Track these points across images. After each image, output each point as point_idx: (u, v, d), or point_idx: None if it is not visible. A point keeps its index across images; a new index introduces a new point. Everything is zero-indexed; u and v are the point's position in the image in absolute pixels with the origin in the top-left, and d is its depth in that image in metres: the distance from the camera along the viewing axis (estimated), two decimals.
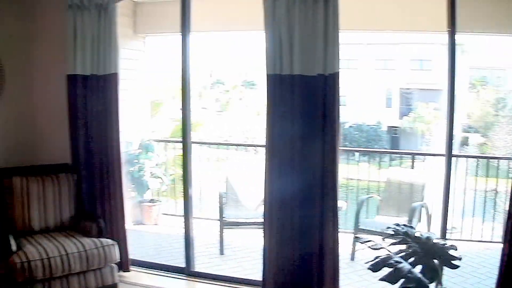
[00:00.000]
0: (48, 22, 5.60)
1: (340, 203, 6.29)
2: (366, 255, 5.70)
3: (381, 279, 3.07)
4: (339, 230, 4.57)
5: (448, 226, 4.89)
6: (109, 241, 4.76)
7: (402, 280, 2.67)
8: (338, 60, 4.32)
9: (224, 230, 6.33)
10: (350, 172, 8.63)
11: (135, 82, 7.11)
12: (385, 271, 2.99)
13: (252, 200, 6.47)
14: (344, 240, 5.86)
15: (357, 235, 5.84)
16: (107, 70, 5.09)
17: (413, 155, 7.94)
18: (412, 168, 7.24)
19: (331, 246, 4.51)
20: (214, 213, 7.32)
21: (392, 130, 26.23)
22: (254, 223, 6.26)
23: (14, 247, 4.41)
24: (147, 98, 7.99)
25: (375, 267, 2.82)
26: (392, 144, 25.94)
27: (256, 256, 5.96)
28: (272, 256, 4.68)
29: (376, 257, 2.87)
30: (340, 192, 4.81)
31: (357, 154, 10.61)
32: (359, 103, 25.05)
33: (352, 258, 6.03)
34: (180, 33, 5.19)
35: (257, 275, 4.99)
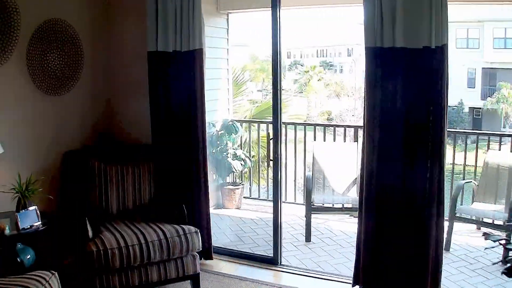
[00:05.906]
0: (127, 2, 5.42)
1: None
2: (461, 244, 5.26)
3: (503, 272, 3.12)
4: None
5: None
6: (192, 228, 4.45)
7: None
8: (447, 31, 3.86)
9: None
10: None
11: (217, 61, 6.96)
12: None
13: (340, 183, 6.15)
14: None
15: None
16: (191, 46, 4.79)
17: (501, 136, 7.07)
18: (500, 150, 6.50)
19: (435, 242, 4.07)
20: (297, 197, 7.20)
21: (475, 111, 25.39)
22: (343, 208, 6.13)
23: (90, 233, 4.18)
24: (229, 77, 7.70)
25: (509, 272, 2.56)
26: (474, 126, 25.11)
27: (344, 244, 5.74)
28: (367, 246, 4.25)
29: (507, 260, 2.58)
30: None
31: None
32: None
33: (447, 248, 5.49)
34: (270, 8, 4.83)
35: (348, 265, 4.75)
